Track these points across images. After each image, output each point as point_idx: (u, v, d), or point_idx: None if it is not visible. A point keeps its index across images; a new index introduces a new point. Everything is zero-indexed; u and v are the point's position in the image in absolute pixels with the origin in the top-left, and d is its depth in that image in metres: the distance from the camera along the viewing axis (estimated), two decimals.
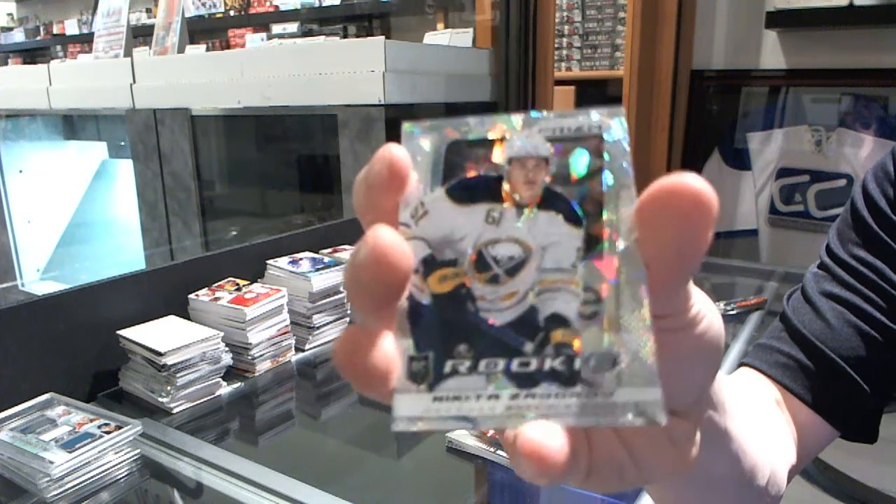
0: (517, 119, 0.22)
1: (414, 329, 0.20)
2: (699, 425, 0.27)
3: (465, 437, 0.81)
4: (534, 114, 0.22)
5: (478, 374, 0.20)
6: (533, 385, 0.20)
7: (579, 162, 0.21)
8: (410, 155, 0.21)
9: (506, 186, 0.21)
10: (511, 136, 0.22)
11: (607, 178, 0.21)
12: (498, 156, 0.21)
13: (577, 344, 0.20)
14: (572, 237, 0.21)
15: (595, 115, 0.21)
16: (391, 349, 0.20)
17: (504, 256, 0.21)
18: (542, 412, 0.20)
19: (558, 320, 0.20)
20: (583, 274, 0.20)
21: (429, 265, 0.21)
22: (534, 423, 0.19)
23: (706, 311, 0.24)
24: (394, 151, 0.20)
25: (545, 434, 0.19)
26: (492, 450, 0.79)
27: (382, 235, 0.19)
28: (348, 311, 1.21)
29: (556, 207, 0.21)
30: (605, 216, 0.21)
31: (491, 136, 0.22)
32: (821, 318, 0.48)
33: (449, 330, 0.20)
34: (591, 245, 0.21)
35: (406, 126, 0.22)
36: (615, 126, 0.21)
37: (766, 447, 0.40)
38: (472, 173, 0.21)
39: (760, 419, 0.44)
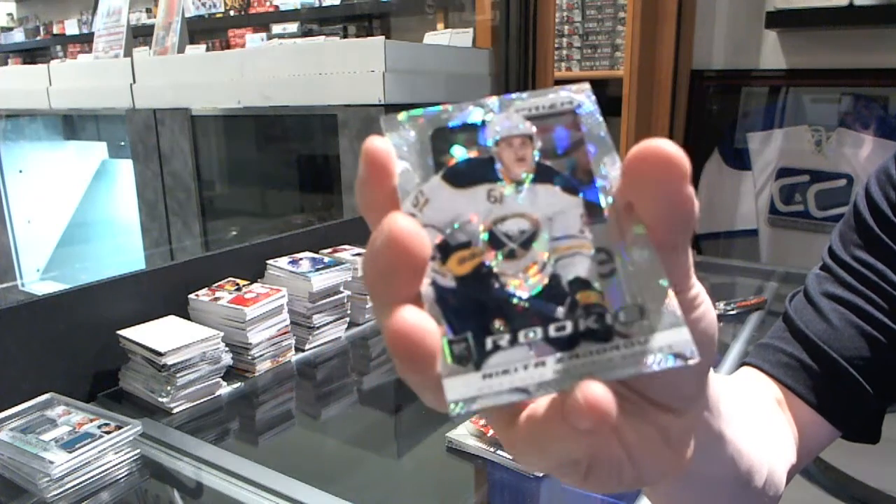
0: (493, 102, 0.23)
1: (446, 313, 0.21)
2: (694, 426, 0.27)
3: (465, 437, 0.81)
4: (507, 96, 0.23)
5: (519, 345, 0.21)
6: (573, 346, 0.21)
7: (561, 136, 0.22)
8: (396, 146, 0.22)
9: (499, 166, 0.22)
10: (492, 118, 0.22)
11: (590, 147, 0.22)
12: (484, 138, 0.22)
13: (603, 301, 0.21)
14: (573, 205, 0.22)
15: (564, 92, 0.23)
16: (433, 329, 0.20)
17: (515, 231, 0.22)
18: (590, 369, 0.21)
19: (581, 283, 0.21)
20: (592, 237, 0.22)
21: (444, 250, 0.21)
22: (584, 381, 0.20)
23: (703, 298, 0.25)
24: (372, 143, 0.21)
25: (598, 388, 0.20)
26: (492, 450, 0.79)
27: (398, 221, 0.19)
28: (348, 312, 1.21)
29: (551, 179, 0.22)
30: (597, 182, 0.22)
31: (472, 120, 0.22)
32: (823, 319, 0.49)
33: (481, 308, 0.21)
34: (592, 210, 0.22)
35: (384, 118, 0.23)
36: (585, 100, 0.23)
37: (763, 448, 0.40)
38: (462, 157, 0.22)
39: (760, 419, 0.44)
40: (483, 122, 0.22)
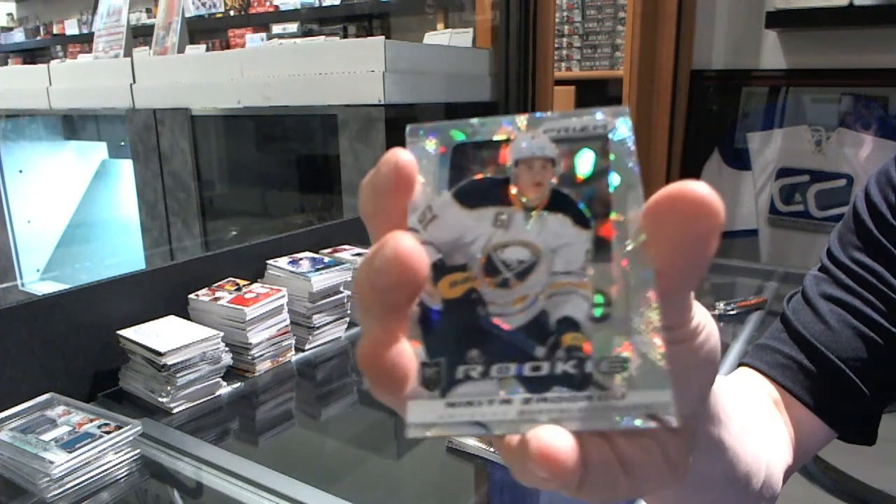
0: (521, 120, 0.21)
1: (426, 335, 0.20)
2: (693, 438, 0.27)
3: (465, 437, 0.81)
4: (538, 114, 0.21)
5: (490, 379, 0.20)
6: (545, 389, 0.20)
7: (585, 162, 0.21)
8: (417, 157, 0.21)
9: (513, 189, 0.21)
10: (516, 137, 0.21)
11: (613, 178, 0.21)
12: (504, 157, 0.21)
13: (587, 347, 0.20)
14: (581, 239, 0.21)
15: (599, 115, 0.21)
16: (409, 353, 0.20)
17: (514, 260, 0.21)
18: (555, 416, 0.20)
19: (569, 323, 0.20)
20: (593, 276, 0.20)
21: (439, 270, 0.21)
22: (545, 427, 0.19)
23: (705, 322, 0.24)
24: (400, 156, 0.20)
25: (556, 437, 0.19)
26: (492, 450, 0.79)
27: (404, 242, 0.19)
28: (348, 311, 1.21)
29: (565, 209, 0.21)
30: (612, 217, 0.20)
31: (496, 137, 0.21)
32: (821, 321, 0.49)
33: (460, 335, 0.20)
34: (600, 247, 0.20)
35: (410, 128, 0.22)
36: (620, 125, 0.21)
37: (761, 450, 0.40)
38: (478, 176, 0.21)
39: (757, 420, 0.44)
40: (507, 140, 0.21)
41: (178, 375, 0.92)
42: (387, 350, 0.19)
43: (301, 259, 1.21)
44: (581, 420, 0.20)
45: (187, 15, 2.65)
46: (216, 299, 1.06)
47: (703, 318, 0.24)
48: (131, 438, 0.82)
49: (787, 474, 0.45)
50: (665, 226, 0.20)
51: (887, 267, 0.47)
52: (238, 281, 1.13)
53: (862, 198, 0.51)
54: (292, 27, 3.48)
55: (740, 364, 0.52)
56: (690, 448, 0.26)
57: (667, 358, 0.20)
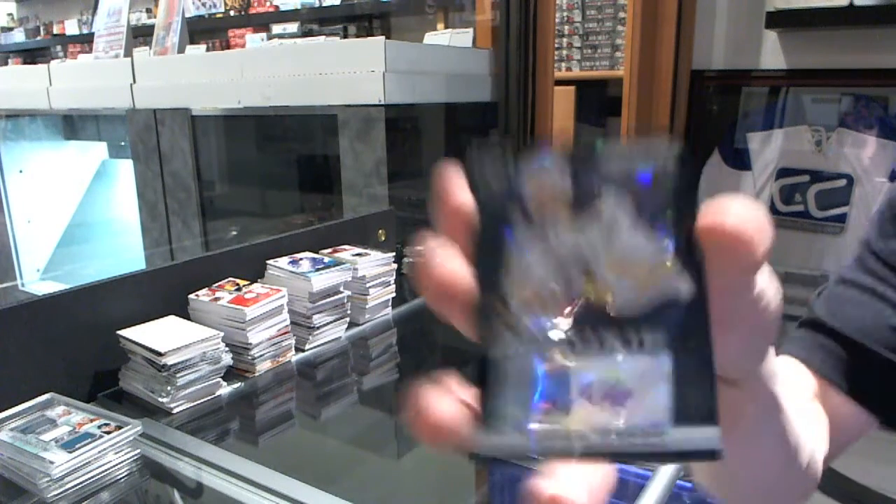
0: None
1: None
2: (749, 398, 0.27)
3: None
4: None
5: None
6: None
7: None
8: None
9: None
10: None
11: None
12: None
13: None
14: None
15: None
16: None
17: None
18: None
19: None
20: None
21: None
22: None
23: (767, 284, 0.23)
24: (454, 196, 0.20)
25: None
26: None
27: (445, 263, 0.20)
28: (348, 311, 1.21)
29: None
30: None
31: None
32: (853, 306, 0.49)
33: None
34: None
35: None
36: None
37: (806, 429, 0.39)
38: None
39: (802, 408, 0.44)
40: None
41: (178, 375, 0.92)
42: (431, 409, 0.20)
43: (301, 259, 1.21)
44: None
45: (187, 15, 2.65)
46: (216, 299, 1.06)
47: (765, 281, 0.23)
48: (131, 438, 0.82)
49: (826, 464, 0.45)
50: (711, 253, 0.20)
51: None
52: (238, 281, 1.13)
53: None
54: (292, 27, 3.48)
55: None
56: (747, 405, 0.26)
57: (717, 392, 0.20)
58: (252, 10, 3.71)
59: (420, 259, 0.20)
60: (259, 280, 1.18)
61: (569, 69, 3.27)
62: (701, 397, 0.20)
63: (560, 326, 0.21)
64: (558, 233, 0.21)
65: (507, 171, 0.21)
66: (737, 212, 0.19)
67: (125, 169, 2.50)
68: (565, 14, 3.23)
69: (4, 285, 2.74)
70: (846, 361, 0.48)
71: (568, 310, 0.21)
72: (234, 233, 2.22)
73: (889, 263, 0.49)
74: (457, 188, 0.20)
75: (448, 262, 0.20)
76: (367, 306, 1.25)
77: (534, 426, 0.20)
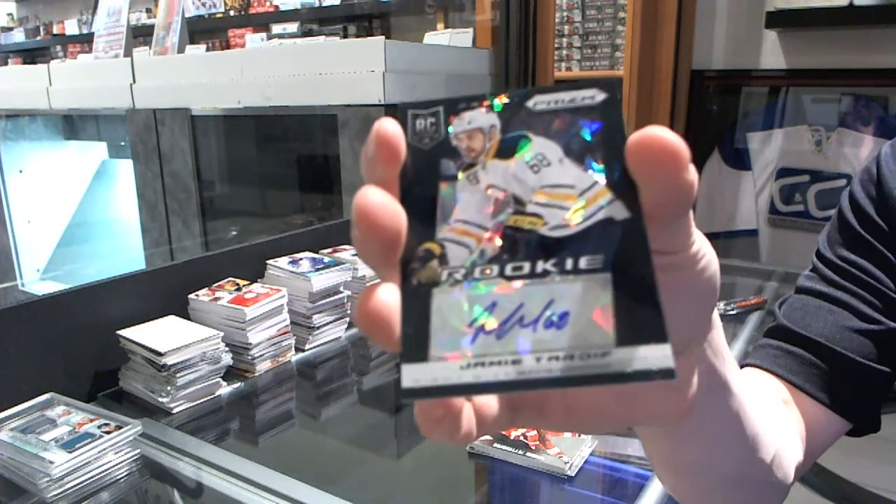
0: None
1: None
2: (695, 364, 0.27)
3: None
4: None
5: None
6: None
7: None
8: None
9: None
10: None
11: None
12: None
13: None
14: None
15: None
16: (391, 297, 0.20)
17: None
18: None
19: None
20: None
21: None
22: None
23: (706, 249, 0.25)
24: (385, 126, 0.21)
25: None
26: (492, 449, 0.79)
27: (369, 195, 0.20)
28: (348, 311, 1.21)
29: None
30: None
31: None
32: (816, 317, 0.50)
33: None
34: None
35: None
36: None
37: (770, 427, 0.40)
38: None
39: (767, 410, 0.44)
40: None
41: (178, 375, 0.92)
42: (369, 298, 0.20)
43: (301, 259, 1.21)
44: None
45: (187, 15, 2.65)
46: (216, 299, 1.06)
47: (703, 245, 0.24)
48: (131, 438, 0.82)
49: (798, 473, 0.45)
50: (639, 169, 0.20)
51: (873, 261, 0.50)
52: (238, 281, 1.13)
53: (846, 197, 0.54)
54: (292, 27, 3.48)
55: (742, 366, 0.52)
56: (693, 372, 0.26)
57: (665, 285, 0.20)
58: (252, 10, 3.71)
59: (356, 203, 0.20)
60: (259, 280, 1.18)
61: (569, 69, 3.27)
62: (646, 316, 0.19)
63: (488, 252, 0.21)
64: (487, 174, 0.21)
65: (437, 122, 0.22)
66: (657, 130, 0.20)
67: (125, 169, 2.50)
68: (565, 14, 3.23)
69: (4, 285, 2.74)
70: (814, 365, 0.49)
71: (497, 238, 0.21)
72: (234, 233, 2.22)
73: (841, 270, 0.51)
74: (391, 135, 0.21)
75: (382, 206, 0.20)
76: None
77: (466, 356, 0.19)
